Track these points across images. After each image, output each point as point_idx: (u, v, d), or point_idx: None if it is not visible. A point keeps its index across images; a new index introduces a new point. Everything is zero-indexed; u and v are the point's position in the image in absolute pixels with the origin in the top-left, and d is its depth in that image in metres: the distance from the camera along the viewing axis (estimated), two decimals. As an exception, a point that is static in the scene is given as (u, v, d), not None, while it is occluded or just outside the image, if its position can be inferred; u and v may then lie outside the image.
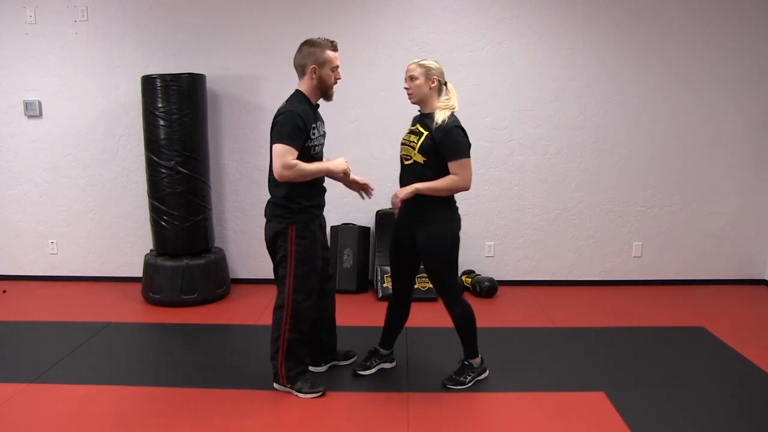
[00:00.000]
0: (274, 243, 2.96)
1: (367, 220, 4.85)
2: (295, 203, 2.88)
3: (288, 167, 2.70)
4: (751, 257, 4.93)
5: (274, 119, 2.82)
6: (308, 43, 2.85)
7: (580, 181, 4.81)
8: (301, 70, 2.88)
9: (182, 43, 4.67)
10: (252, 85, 4.72)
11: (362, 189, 3.10)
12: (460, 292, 3.12)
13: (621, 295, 4.68)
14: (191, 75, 4.35)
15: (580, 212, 4.85)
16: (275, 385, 3.09)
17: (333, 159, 2.98)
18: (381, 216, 4.76)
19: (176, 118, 4.27)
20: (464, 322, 3.08)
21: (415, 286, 4.45)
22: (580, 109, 4.71)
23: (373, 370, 3.32)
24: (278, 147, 2.72)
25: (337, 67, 2.88)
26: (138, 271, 4.72)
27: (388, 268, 4.64)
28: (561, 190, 4.82)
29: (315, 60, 2.82)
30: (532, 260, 4.92)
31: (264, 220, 3.03)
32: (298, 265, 2.91)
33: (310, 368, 3.27)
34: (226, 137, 4.81)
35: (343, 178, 3.03)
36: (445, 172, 2.88)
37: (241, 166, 4.84)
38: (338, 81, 2.93)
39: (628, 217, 4.86)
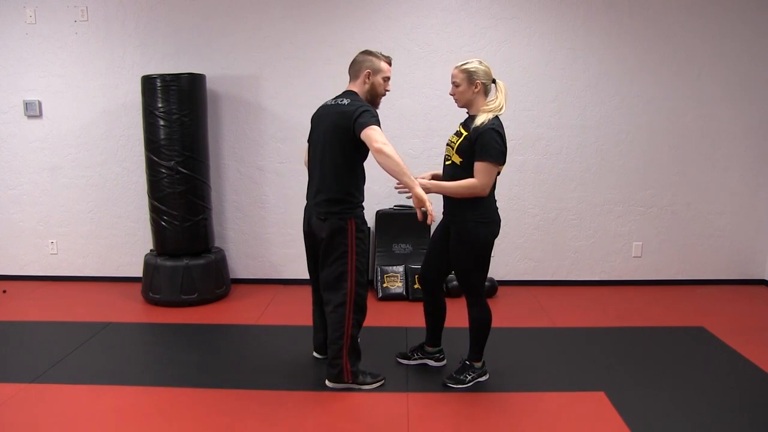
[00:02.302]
0: (331, 241, 2.98)
1: (368, 220, 4.83)
2: (353, 197, 2.98)
3: (387, 142, 2.77)
4: (751, 257, 4.93)
5: (353, 112, 2.87)
6: (367, 52, 3.04)
7: (580, 181, 4.81)
8: (355, 74, 3.04)
9: (182, 43, 4.67)
10: (252, 85, 4.72)
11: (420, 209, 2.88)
12: (485, 294, 3.13)
13: (621, 295, 4.68)
14: (191, 75, 4.35)
15: (580, 212, 4.85)
16: (329, 383, 3.11)
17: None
18: (381, 216, 4.76)
19: (176, 118, 4.27)
20: (479, 325, 3.09)
21: (415, 286, 4.52)
22: (580, 109, 4.71)
23: (412, 363, 3.40)
24: (376, 128, 2.81)
25: (389, 78, 3.05)
26: (138, 271, 4.72)
27: (388, 268, 4.64)
28: (561, 190, 4.82)
29: (371, 66, 3.00)
30: (532, 260, 4.92)
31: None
32: (359, 258, 3.00)
33: None
34: (226, 137, 4.81)
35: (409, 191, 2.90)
36: None
37: (241, 166, 4.84)
38: (387, 93, 3.08)
39: (628, 217, 4.86)
